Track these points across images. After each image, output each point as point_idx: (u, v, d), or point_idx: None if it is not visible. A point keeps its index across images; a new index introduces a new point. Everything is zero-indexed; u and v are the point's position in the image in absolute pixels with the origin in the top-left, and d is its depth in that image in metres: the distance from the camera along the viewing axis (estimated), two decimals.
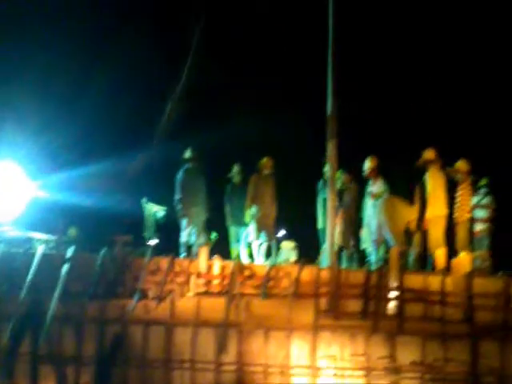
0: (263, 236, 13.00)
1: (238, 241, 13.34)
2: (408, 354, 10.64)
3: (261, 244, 13.06)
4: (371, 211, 12.48)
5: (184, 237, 12.75)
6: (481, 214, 12.75)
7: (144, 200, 14.32)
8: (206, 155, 13.29)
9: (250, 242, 13.19)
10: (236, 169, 13.47)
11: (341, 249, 12.87)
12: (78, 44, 15.12)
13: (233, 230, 13.42)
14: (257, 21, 16.48)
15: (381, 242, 12.27)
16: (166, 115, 13.00)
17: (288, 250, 14.11)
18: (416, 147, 12.99)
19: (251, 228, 13.07)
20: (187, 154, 13.03)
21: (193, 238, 12.74)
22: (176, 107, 13.03)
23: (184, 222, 12.75)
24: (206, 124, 15.81)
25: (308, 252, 13.26)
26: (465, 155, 12.52)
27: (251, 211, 12.97)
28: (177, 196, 12.88)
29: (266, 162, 13.17)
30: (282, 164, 13.44)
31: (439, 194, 12.00)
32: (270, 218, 13.07)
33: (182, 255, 12.35)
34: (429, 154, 12.25)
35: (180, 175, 12.91)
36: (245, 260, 12.82)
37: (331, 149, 11.48)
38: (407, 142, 15.50)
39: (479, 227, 12.61)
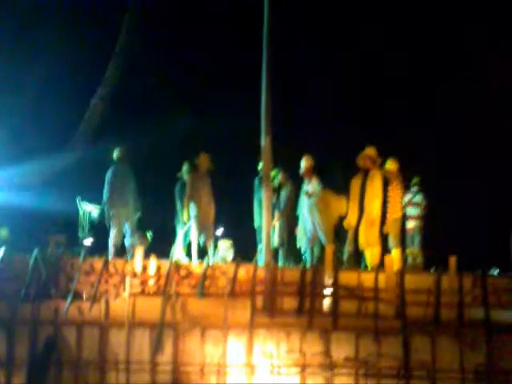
0: (201, 235, 12.95)
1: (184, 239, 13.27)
2: (342, 349, 10.78)
3: (198, 243, 13.02)
4: (306, 210, 12.61)
5: (112, 239, 12.59)
6: (413, 211, 13.01)
7: (78, 199, 14.12)
8: (141, 154, 13.16)
9: (188, 241, 13.14)
10: (185, 167, 13.35)
11: (277, 247, 12.97)
12: (8, 42, 14.84)
13: (179, 228, 13.31)
14: (187, 18, 16.45)
15: (315, 239, 12.43)
16: (87, 114, 12.82)
17: (225, 249, 14.10)
18: (352, 144, 13.18)
19: (190, 227, 13.00)
20: (115, 153, 12.85)
21: (126, 239, 12.62)
22: (98, 106, 12.84)
23: (112, 224, 12.59)
24: (143, 122, 15.70)
25: (245, 250, 13.29)
26: (394, 153, 12.77)
27: (189, 210, 12.89)
28: (105, 196, 12.73)
29: (202, 159, 13.08)
30: (218, 161, 13.39)
31: (377, 196, 12.18)
32: (208, 217, 13.01)
33: (110, 257, 12.16)
34: (370, 151, 12.39)
35: (108, 175, 12.74)
36: (182, 259, 12.77)
37: (266, 146, 11.53)
38: (345, 139, 15.68)
39: (411, 224, 12.87)
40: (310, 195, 12.51)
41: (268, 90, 11.58)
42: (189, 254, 13.09)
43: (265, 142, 11.48)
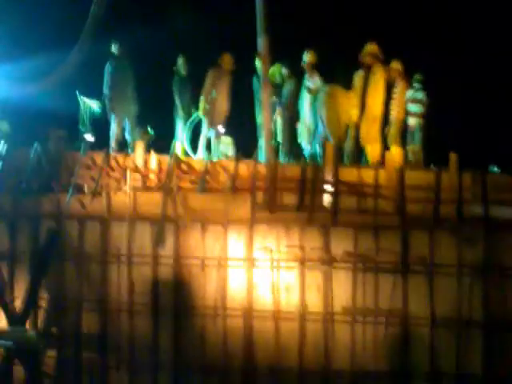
0: (211, 131, 12.96)
1: (183, 133, 13.28)
2: (341, 245, 10.80)
3: (207, 138, 13.05)
4: (308, 106, 12.49)
5: (113, 133, 12.63)
6: (414, 108, 12.85)
7: (78, 94, 14.00)
8: (139, 49, 13.01)
9: (190, 135, 13.17)
10: (181, 61, 13.23)
11: (278, 144, 12.93)
12: None
13: (180, 123, 13.31)
14: None
15: (317, 135, 12.36)
16: (92, 10, 12.59)
17: (225, 145, 14.10)
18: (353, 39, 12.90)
19: (203, 121, 13.01)
20: (113, 48, 12.76)
21: (127, 134, 12.64)
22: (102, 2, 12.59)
23: (113, 117, 12.63)
24: (140, 18, 15.44)
25: (246, 148, 13.27)
26: (398, 53, 12.54)
27: (204, 105, 12.87)
28: (105, 91, 12.68)
29: (226, 58, 12.95)
30: (216, 58, 13.22)
31: (380, 92, 12.04)
32: (221, 115, 13.01)
33: (111, 151, 12.19)
34: (373, 47, 12.17)
35: (108, 69, 12.69)
36: (185, 153, 12.81)
37: (263, 45, 11.36)
38: (346, 35, 15.32)
39: (412, 121, 12.74)
40: (313, 92, 12.38)
41: None
42: (194, 147, 13.13)
43: (262, 41, 11.32)
